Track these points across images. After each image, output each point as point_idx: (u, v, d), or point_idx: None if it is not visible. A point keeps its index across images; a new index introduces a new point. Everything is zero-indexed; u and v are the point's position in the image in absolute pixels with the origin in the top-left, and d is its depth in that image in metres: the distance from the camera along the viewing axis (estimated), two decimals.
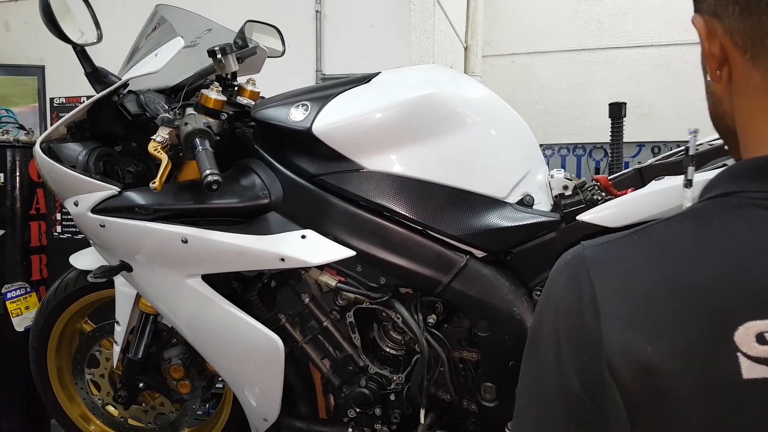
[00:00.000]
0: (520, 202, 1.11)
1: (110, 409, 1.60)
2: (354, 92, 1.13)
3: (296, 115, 1.13)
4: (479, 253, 1.10)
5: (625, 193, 1.06)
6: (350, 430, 1.18)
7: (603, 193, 1.11)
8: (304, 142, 1.11)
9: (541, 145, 1.23)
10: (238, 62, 1.34)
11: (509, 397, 1.09)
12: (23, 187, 1.61)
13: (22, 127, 1.71)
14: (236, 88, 1.38)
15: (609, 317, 0.39)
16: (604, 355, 0.39)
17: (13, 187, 1.58)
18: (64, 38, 1.09)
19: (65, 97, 2.64)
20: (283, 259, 1.08)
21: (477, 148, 1.12)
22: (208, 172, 1.03)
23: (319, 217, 1.12)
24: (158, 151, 1.12)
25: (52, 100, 2.66)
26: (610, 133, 2.78)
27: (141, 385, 1.44)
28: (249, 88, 1.38)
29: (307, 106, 1.13)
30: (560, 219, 1.08)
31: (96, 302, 1.52)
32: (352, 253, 1.09)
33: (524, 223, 1.07)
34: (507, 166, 1.13)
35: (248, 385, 1.26)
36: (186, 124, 1.12)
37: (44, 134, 1.19)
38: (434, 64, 1.16)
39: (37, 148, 1.18)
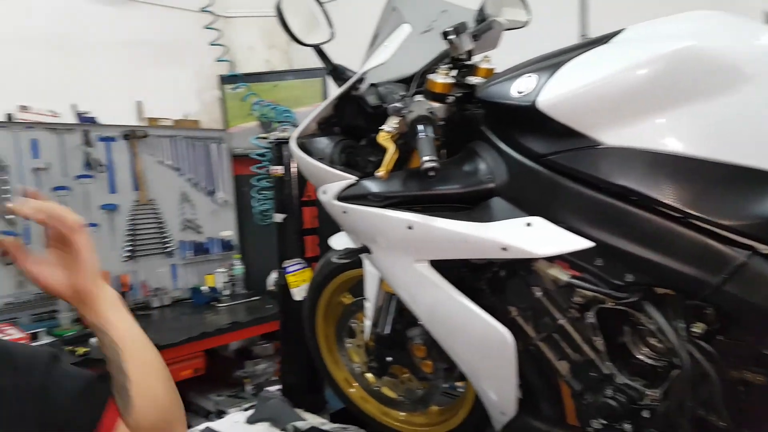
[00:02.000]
0: None
1: (368, 376, 1.71)
2: (588, 55, 0.93)
3: (520, 89, 0.98)
4: (765, 249, 0.80)
5: None
6: None
7: None
8: (529, 118, 0.96)
9: None
10: (474, 40, 1.25)
11: None
12: (298, 177, 1.81)
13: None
14: (470, 68, 1.29)
15: None
16: None
17: (290, 177, 1.78)
18: (299, 41, 1.14)
19: None
20: (505, 249, 0.97)
21: (759, 112, 0.82)
22: (425, 158, 0.98)
23: (548, 203, 0.96)
24: (386, 141, 1.10)
25: None
26: None
27: (389, 359, 1.49)
28: (483, 66, 1.28)
29: (533, 77, 0.98)
30: None
31: (353, 279, 1.62)
32: (590, 244, 0.91)
33: None
34: None
35: (481, 376, 1.18)
36: (410, 111, 1.08)
37: (297, 130, 1.28)
38: (703, 10, 0.88)
39: (292, 143, 1.28)
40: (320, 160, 1.25)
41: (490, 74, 1.26)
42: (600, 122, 0.91)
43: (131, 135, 3.09)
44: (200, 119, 3.48)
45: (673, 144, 0.86)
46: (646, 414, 0.95)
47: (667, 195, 0.85)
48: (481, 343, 1.11)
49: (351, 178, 1.19)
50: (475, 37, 1.27)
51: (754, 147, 0.81)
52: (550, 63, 0.98)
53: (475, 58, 1.33)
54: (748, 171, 0.80)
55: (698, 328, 0.88)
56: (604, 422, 0.99)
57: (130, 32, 3.16)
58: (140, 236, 3.14)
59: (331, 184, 1.24)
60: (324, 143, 1.27)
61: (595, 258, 0.92)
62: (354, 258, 1.29)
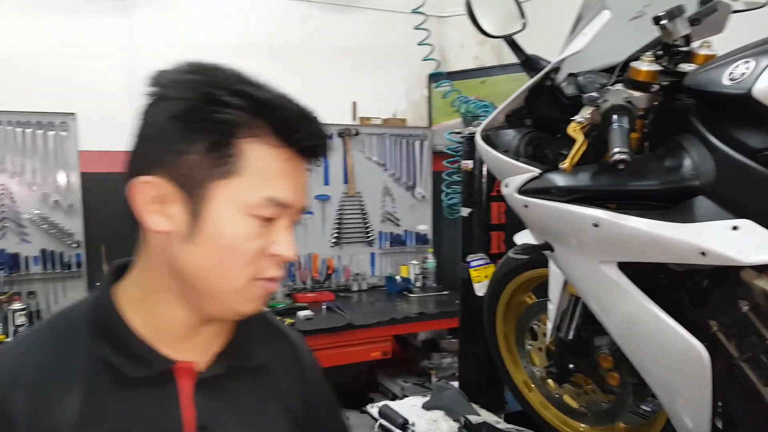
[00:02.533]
0: None
1: (549, 382, 1.66)
2: None
3: (733, 77, 0.88)
4: None
5: None
6: None
7: None
8: (744, 108, 0.86)
9: None
10: (692, 24, 1.15)
11: None
12: (488, 172, 1.83)
13: None
14: (686, 55, 1.19)
15: None
16: None
17: (480, 172, 1.82)
18: (488, 34, 1.17)
19: None
20: (704, 253, 0.87)
21: None
22: (616, 150, 0.94)
23: (762, 204, 0.85)
24: (575, 132, 1.08)
25: None
26: None
27: (571, 366, 1.44)
28: (702, 52, 1.17)
29: (750, 63, 0.87)
30: None
31: (537, 279, 1.60)
32: None
33: None
34: None
35: (672, 396, 1.08)
36: (605, 100, 1.04)
37: (485, 122, 1.31)
38: None
39: (477, 135, 1.32)
40: (504, 152, 1.26)
41: (708, 61, 1.14)
42: None
43: (345, 133, 3.45)
44: (407, 117, 3.71)
45: None
46: None
47: None
48: (672, 359, 1.02)
49: (534, 171, 1.19)
50: (695, 21, 1.17)
51: None
52: None
53: (695, 44, 1.22)
54: None
55: None
56: None
57: (350, 37, 3.51)
58: (346, 225, 3.49)
59: (513, 177, 1.25)
60: (510, 135, 1.28)
61: None
62: (532, 255, 1.29)
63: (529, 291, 1.66)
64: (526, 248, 1.24)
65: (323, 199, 3.41)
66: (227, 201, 0.66)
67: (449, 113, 3.51)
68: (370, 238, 3.53)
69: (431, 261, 3.47)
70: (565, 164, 1.04)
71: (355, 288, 3.45)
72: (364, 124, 3.54)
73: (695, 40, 1.22)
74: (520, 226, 1.62)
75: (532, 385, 1.69)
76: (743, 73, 0.87)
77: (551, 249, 1.22)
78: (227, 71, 0.70)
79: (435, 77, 3.55)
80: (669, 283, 1.09)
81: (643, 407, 1.48)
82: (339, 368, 2.87)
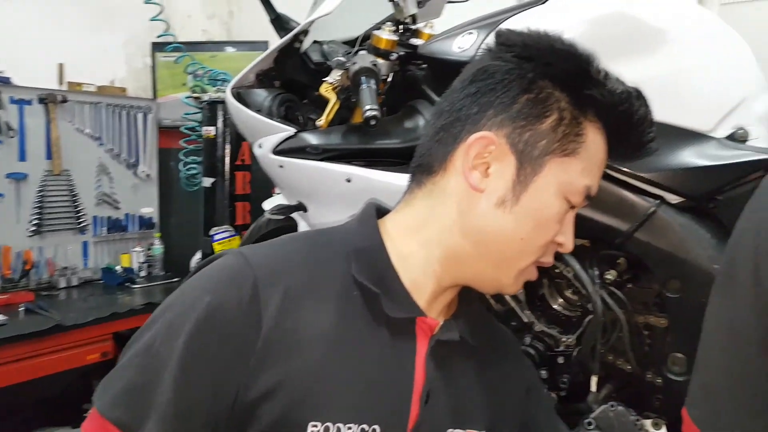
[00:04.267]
0: (731, 137, 0.93)
1: None
2: (526, 15, 1.05)
3: (460, 45, 1.09)
4: (674, 198, 0.94)
5: None
6: None
7: None
8: None
9: None
10: (418, 6, 1.35)
11: None
12: (232, 140, 1.84)
13: None
14: (413, 32, 1.40)
15: None
16: None
17: (223, 140, 1.82)
18: None
19: None
20: None
21: (676, 71, 0.96)
22: (367, 107, 1.06)
23: None
24: (328, 92, 1.18)
25: None
26: None
27: None
28: (426, 31, 1.39)
29: (473, 34, 1.08)
30: None
31: None
32: None
33: (733, 161, 0.89)
34: (714, 93, 0.95)
35: None
36: (354, 63, 1.17)
37: (235, 80, 1.34)
38: None
39: (228, 92, 1.33)
40: (257, 112, 1.30)
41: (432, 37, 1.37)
42: None
43: (49, 99, 3.00)
44: (127, 87, 3.42)
45: None
46: (560, 360, 1.07)
47: None
48: None
49: (289, 130, 1.26)
50: (420, 3, 1.37)
51: (666, 103, 0.93)
52: (489, 21, 1.10)
53: (420, 24, 1.43)
54: (660, 125, 0.93)
55: (611, 275, 1.00)
56: None
57: None
58: (49, 209, 3.04)
59: (267, 137, 1.30)
60: (262, 95, 1.33)
61: None
62: (288, 214, 1.36)
63: None
64: (282, 209, 1.30)
65: (18, 178, 2.91)
66: (555, 178, 0.67)
67: (177, 86, 3.36)
68: (82, 224, 3.15)
69: (158, 247, 3.26)
70: (321, 121, 1.13)
71: (62, 285, 3.03)
72: (74, 90, 3.14)
73: (420, 22, 1.45)
74: (267, 195, 1.67)
75: None
76: (468, 43, 1.08)
77: (305, 209, 1.31)
78: (587, 51, 0.69)
79: (159, 46, 3.36)
80: None
81: None
82: (43, 380, 2.50)
